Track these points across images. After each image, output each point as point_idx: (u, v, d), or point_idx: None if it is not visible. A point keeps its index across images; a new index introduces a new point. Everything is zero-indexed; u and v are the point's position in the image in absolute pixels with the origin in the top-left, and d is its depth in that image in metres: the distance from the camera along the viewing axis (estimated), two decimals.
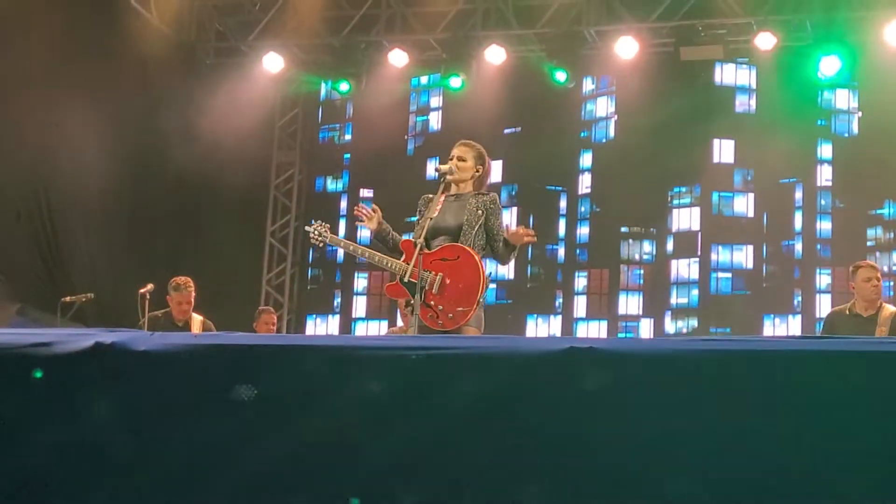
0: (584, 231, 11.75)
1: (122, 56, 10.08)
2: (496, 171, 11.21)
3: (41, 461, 3.11)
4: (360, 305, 12.34)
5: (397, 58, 11.22)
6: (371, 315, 12.24)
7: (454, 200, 5.54)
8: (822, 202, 11.07)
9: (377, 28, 11.54)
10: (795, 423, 2.79)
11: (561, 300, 11.67)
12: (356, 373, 3.03)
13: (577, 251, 11.76)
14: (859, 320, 6.90)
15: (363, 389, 2.99)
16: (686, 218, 11.40)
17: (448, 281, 5.27)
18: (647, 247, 11.54)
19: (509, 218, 11.61)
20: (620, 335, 11.29)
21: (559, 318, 11.60)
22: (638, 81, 10.94)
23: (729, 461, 2.81)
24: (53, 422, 3.12)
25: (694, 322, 11.26)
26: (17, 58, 8.89)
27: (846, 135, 11.13)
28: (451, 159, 5.58)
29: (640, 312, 11.44)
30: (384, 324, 11.81)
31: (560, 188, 11.88)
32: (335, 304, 12.46)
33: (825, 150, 11.13)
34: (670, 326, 11.30)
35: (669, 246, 11.42)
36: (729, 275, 11.27)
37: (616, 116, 11.79)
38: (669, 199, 11.49)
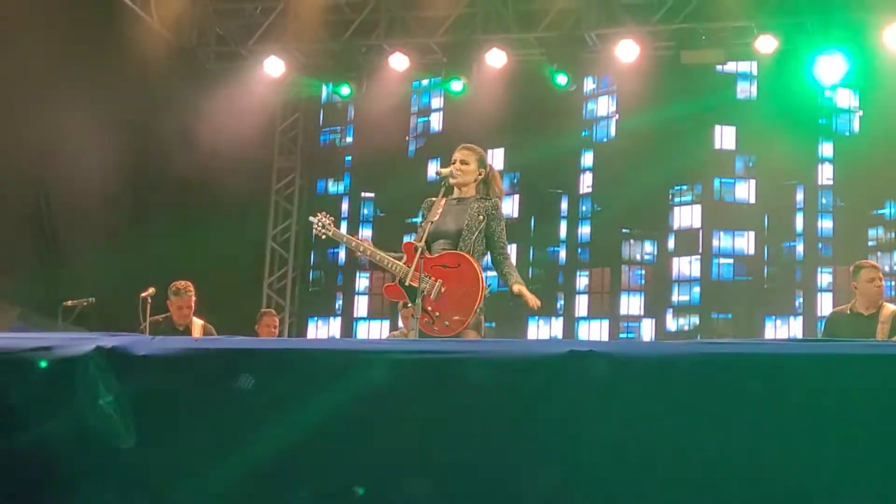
0: (585, 230, 11.76)
1: (122, 60, 10.07)
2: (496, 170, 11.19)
3: (42, 464, 3.12)
4: (361, 305, 12.36)
5: (398, 61, 11.22)
6: (373, 315, 12.26)
7: (456, 204, 5.54)
8: (823, 201, 11.08)
9: (378, 32, 11.53)
10: (797, 427, 2.78)
11: (562, 302, 11.67)
12: (356, 373, 3.03)
13: (579, 250, 11.77)
14: (860, 319, 6.91)
15: (363, 389, 3.00)
16: (687, 215, 11.41)
17: (445, 289, 5.26)
18: (649, 247, 11.55)
19: (511, 206, 11.63)
20: (622, 335, 11.30)
21: (560, 319, 11.60)
22: (639, 81, 10.95)
23: (730, 465, 2.80)
24: (54, 425, 3.13)
25: (695, 319, 11.26)
26: (18, 62, 8.90)
27: (847, 133, 11.14)
28: (454, 163, 5.58)
29: (642, 312, 11.45)
30: (386, 323, 11.84)
31: (561, 191, 11.88)
32: (337, 306, 12.48)
33: (826, 149, 11.14)
34: (672, 324, 11.30)
35: (671, 243, 11.43)
36: (731, 260, 11.28)
37: (617, 116, 11.80)
38: (671, 196, 11.49)
